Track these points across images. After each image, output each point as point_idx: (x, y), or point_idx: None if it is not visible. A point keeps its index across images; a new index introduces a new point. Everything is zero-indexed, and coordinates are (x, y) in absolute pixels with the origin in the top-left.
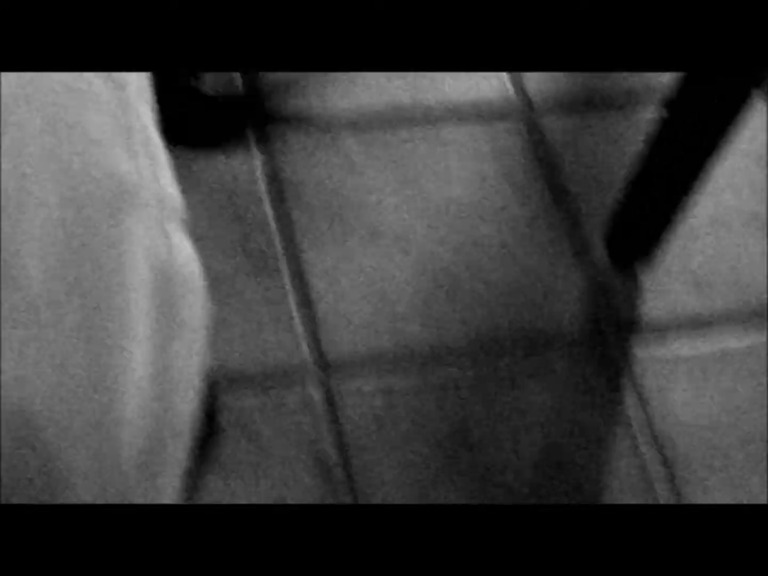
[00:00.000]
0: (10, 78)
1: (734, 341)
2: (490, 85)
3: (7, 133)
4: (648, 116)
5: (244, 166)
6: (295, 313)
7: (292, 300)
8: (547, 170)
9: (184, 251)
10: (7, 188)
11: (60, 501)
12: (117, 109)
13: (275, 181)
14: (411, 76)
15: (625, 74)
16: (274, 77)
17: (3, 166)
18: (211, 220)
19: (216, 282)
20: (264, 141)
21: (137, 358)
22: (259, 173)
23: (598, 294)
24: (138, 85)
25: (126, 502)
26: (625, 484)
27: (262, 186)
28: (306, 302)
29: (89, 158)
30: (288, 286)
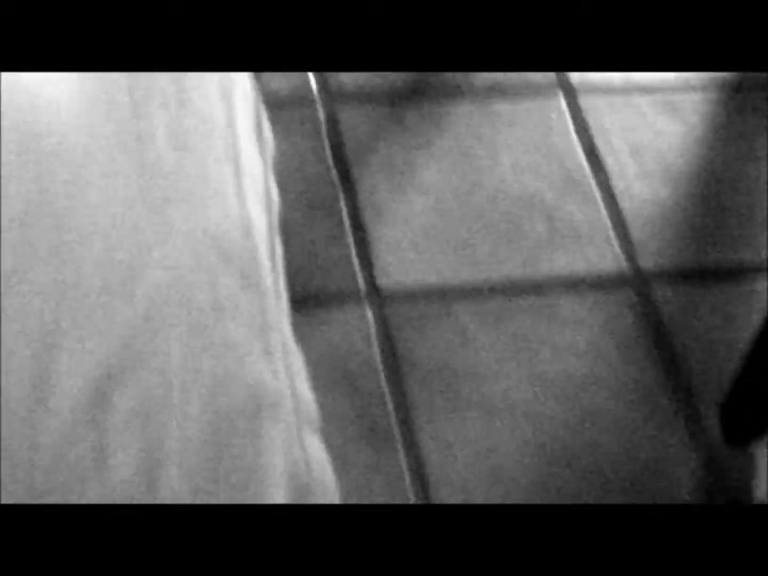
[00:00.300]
0: (153, 295)
1: None
2: (601, 256)
3: (155, 345)
4: (762, 289)
5: (359, 335)
6: (408, 483)
7: (405, 469)
8: (660, 342)
9: (320, 461)
10: (153, 401)
11: None
12: (256, 318)
13: (390, 350)
14: (525, 248)
15: (737, 246)
16: (387, 244)
17: (150, 375)
18: (325, 388)
19: (329, 450)
20: (379, 311)
21: None
22: (374, 342)
23: (711, 469)
24: (275, 290)
25: None
26: None
27: (376, 354)
28: (419, 472)
29: (230, 368)
30: (401, 456)
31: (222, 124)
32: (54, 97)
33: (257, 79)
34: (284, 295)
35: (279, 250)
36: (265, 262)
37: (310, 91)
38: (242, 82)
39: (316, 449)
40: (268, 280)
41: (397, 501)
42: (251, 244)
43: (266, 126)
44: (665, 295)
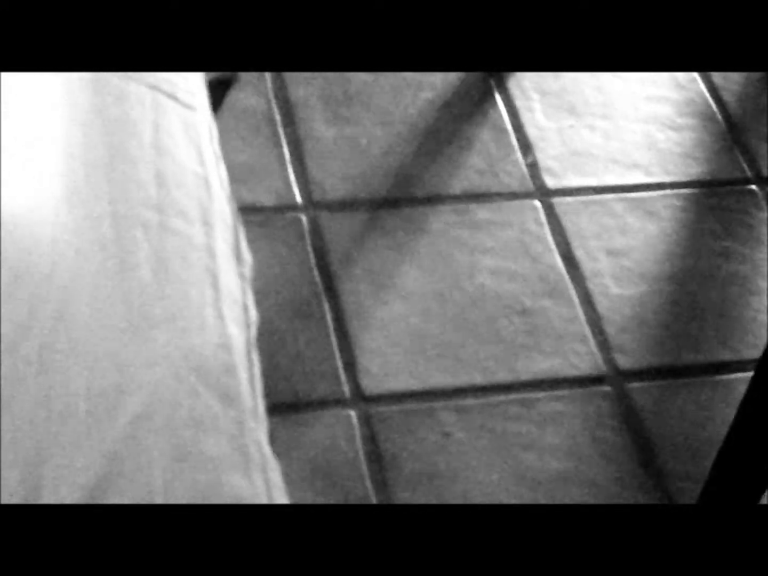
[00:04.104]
0: (136, 417)
1: None
2: (579, 355)
3: (139, 462)
4: (737, 385)
5: (344, 437)
6: None
7: None
8: (638, 439)
9: None
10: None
11: None
12: (234, 434)
13: (374, 451)
14: (505, 349)
15: (712, 344)
16: (371, 348)
17: (134, 488)
18: (310, 489)
19: None
20: (364, 414)
21: None
22: (359, 444)
23: None
24: (253, 406)
25: None
26: None
27: (361, 456)
28: None
29: (209, 482)
30: None
31: (201, 247)
32: (45, 223)
33: (239, 191)
34: (262, 411)
35: (257, 366)
36: (244, 380)
37: (294, 199)
38: (221, 204)
39: None
40: (247, 397)
41: None
42: (230, 364)
43: (244, 246)
44: (642, 393)
